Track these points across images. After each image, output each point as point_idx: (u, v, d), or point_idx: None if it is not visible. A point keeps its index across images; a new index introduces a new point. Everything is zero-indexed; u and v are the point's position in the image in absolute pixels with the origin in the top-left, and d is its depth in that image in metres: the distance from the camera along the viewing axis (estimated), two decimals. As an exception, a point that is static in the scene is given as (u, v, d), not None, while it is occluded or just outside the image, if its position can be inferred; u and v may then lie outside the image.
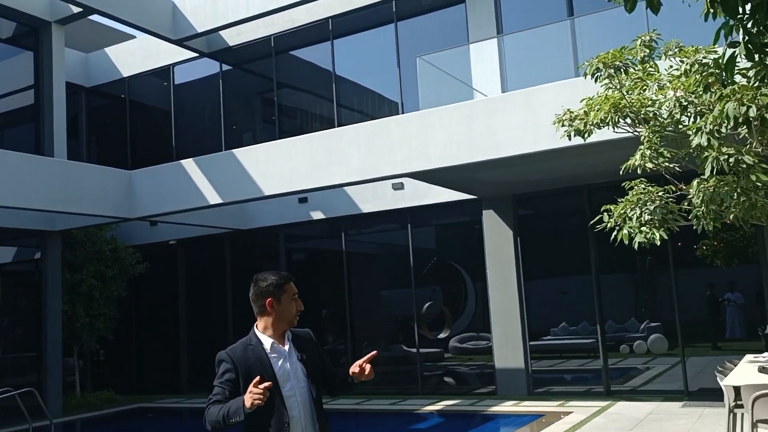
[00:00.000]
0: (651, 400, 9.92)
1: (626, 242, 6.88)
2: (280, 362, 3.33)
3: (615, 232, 7.09)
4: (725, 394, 6.38)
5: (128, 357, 15.66)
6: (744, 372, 6.26)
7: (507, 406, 10.41)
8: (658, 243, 6.68)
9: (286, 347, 3.39)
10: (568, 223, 12.29)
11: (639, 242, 6.74)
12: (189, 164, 11.46)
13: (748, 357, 7.72)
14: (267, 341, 3.37)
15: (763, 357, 7.62)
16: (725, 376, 6.49)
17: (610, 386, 10.93)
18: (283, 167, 10.51)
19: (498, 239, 11.76)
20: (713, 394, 9.86)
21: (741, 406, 6.35)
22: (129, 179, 12.09)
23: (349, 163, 9.91)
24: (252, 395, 3.01)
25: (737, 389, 6.18)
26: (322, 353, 3.53)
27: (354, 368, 3.37)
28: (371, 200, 12.87)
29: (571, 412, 9.45)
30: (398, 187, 12.45)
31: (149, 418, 12.52)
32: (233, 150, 11.17)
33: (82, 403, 13.41)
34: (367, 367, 3.35)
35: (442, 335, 12.95)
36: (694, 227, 6.66)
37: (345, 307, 13.50)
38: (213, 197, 11.11)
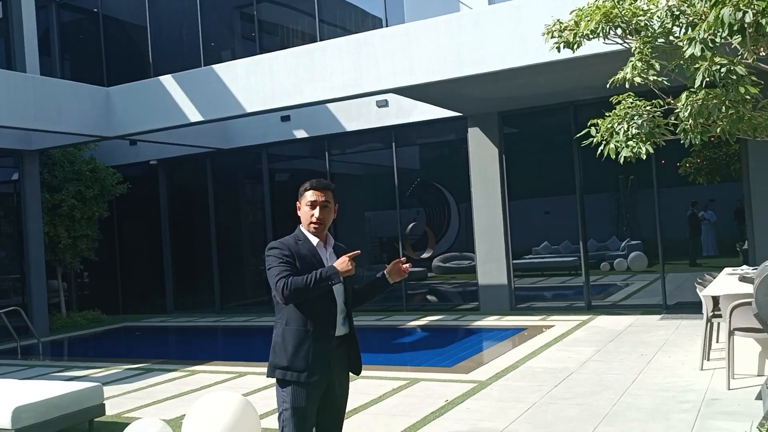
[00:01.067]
0: (630, 314, 10.15)
1: (612, 156, 6.85)
2: (326, 259, 3.49)
3: (601, 147, 7.06)
4: (704, 305, 6.52)
5: (113, 278, 15.69)
6: (723, 283, 6.38)
7: (490, 321, 10.63)
8: (644, 157, 6.66)
9: (328, 251, 3.53)
10: (553, 141, 12.22)
11: (625, 156, 6.71)
12: (168, 81, 11.14)
13: (727, 270, 7.86)
14: (314, 239, 3.52)
15: (742, 270, 7.77)
16: (705, 288, 6.61)
17: (591, 302, 11.16)
18: (264, 83, 10.25)
19: (483, 158, 11.70)
20: (690, 307, 10.11)
21: (718, 316, 6.50)
22: (106, 96, 11.76)
23: (332, 78, 9.67)
24: (345, 263, 3.27)
25: (716, 299, 6.31)
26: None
27: (390, 268, 3.58)
28: (355, 118, 12.69)
29: (553, 326, 9.66)
30: (382, 104, 12.25)
31: (137, 336, 12.65)
32: (213, 66, 10.84)
33: (68, 323, 13.51)
34: (405, 266, 3.58)
35: (425, 255, 13.06)
36: (681, 141, 6.62)
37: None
38: (193, 115, 10.87)
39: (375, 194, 14.04)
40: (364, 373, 7.45)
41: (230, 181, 15.05)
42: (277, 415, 3.42)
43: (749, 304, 5.51)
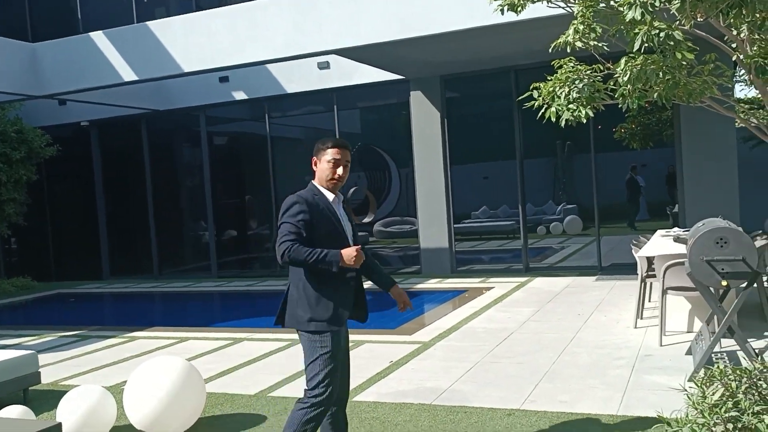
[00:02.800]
0: (567, 276, 10.44)
1: (553, 120, 6.94)
2: (340, 214, 3.60)
3: (543, 110, 7.15)
4: (639, 265, 6.74)
5: (44, 243, 15.13)
6: (657, 244, 6.60)
7: (431, 284, 10.76)
8: (584, 121, 6.77)
9: (340, 206, 3.63)
10: (494, 106, 12.30)
11: (566, 120, 6.82)
12: (99, 37, 10.65)
13: (660, 232, 8.14)
14: (329, 194, 3.60)
15: (674, 231, 8.06)
16: (640, 249, 6.84)
17: (529, 264, 11.42)
18: (203, 43, 9.92)
19: (425, 121, 11.71)
20: (623, 269, 10.48)
21: (652, 276, 6.74)
22: (33, 53, 11.18)
23: (274, 38, 9.44)
24: (352, 257, 3.34)
25: (650, 260, 6.54)
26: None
27: (397, 299, 4.04)
28: (296, 80, 12.46)
29: (493, 288, 9.85)
30: (324, 66, 12.06)
31: (71, 302, 12.27)
32: (148, 23, 10.42)
33: (-4, 290, 13.00)
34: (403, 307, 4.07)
35: (367, 220, 13.06)
36: (619, 106, 6.77)
37: (270, 192, 13.34)
38: (127, 74, 10.45)
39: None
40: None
41: (167, 143, 14.62)
42: (304, 366, 3.49)
43: (682, 264, 5.73)
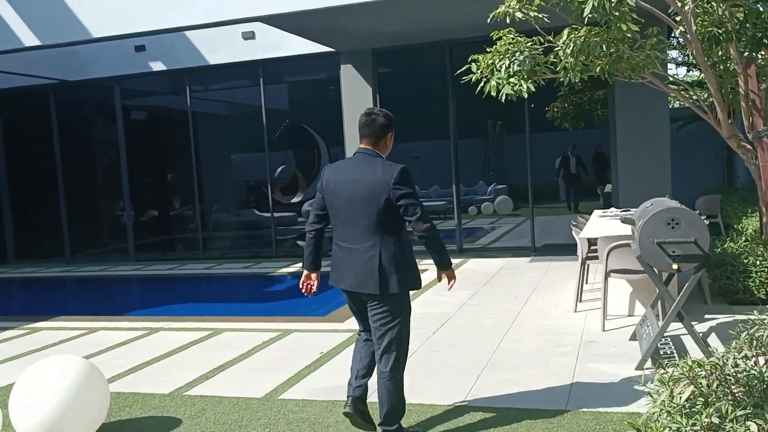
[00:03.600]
0: (501, 257, 10.22)
1: (494, 94, 6.60)
2: None
3: (482, 84, 6.79)
4: (579, 247, 6.50)
5: (-60, 225, 13.87)
6: (599, 225, 6.36)
7: (363, 266, 10.33)
8: (526, 95, 6.46)
9: None
10: (428, 82, 11.92)
11: (507, 94, 6.48)
12: (-4, -3, 9.63)
13: (597, 212, 7.95)
14: None
15: (611, 212, 7.89)
16: (580, 230, 6.59)
17: (463, 245, 11.14)
18: (115, 6, 9.07)
19: (356, 97, 11.20)
20: (556, 249, 10.35)
21: (593, 258, 6.51)
22: None
23: (195, 3, 8.71)
24: None
25: (592, 241, 6.30)
26: None
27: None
28: (219, 50, 11.72)
29: (427, 270, 9.49)
30: (249, 36, 11.36)
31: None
32: (52, -18, 9.47)
33: None
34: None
35: (295, 199, 12.52)
36: (561, 79, 6.47)
37: (192, 170, 12.58)
38: (29, 38, 9.49)
39: (241, 136, 13.18)
40: (230, 325, 6.86)
41: (78, 117, 13.58)
42: (384, 329, 3.57)
43: (627, 246, 5.49)
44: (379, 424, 3.65)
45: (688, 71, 7.53)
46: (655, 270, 4.73)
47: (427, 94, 11.91)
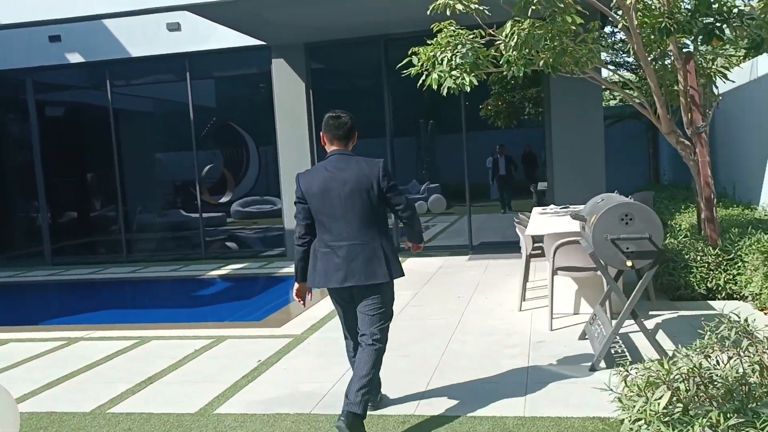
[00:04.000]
0: (439, 255, 10.06)
1: (435, 87, 6.38)
2: None
3: (423, 78, 6.57)
4: (523, 244, 6.36)
5: None
6: (542, 222, 6.24)
7: (298, 268, 9.97)
8: (468, 89, 6.28)
9: None
10: (363, 79, 11.65)
11: (449, 87, 6.28)
12: None
13: (537, 209, 7.85)
14: None
15: (551, 208, 7.81)
16: (524, 227, 6.45)
17: (399, 244, 10.92)
18: (25, -10, 8.42)
19: (289, 93, 10.82)
20: (493, 247, 10.29)
21: (537, 255, 6.39)
22: None
23: (113, -11, 8.16)
24: None
25: (537, 238, 6.17)
26: None
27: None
28: (141, 42, 11.10)
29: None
30: (174, 27, 10.81)
31: None
32: (-46, -36, 8.70)
33: None
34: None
35: (223, 199, 12.02)
36: (504, 73, 6.32)
37: (114, 170, 11.90)
38: (-72, 24, 8.70)
39: (168, 133, 12.56)
40: (158, 332, 6.39)
41: (-14, 112, 12.65)
42: (380, 313, 3.76)
43: (575, 243, 5.37)
44: (341, 415, 3.56)
45: (616, 72, 7.51)
46: (608, 267, 4.60)
47: (362, 91, 11.66)
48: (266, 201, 12.11)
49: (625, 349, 4.83)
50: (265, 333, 6.19)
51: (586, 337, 5.18)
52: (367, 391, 3.62)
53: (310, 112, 10.86)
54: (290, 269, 10.21)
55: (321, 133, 3.91)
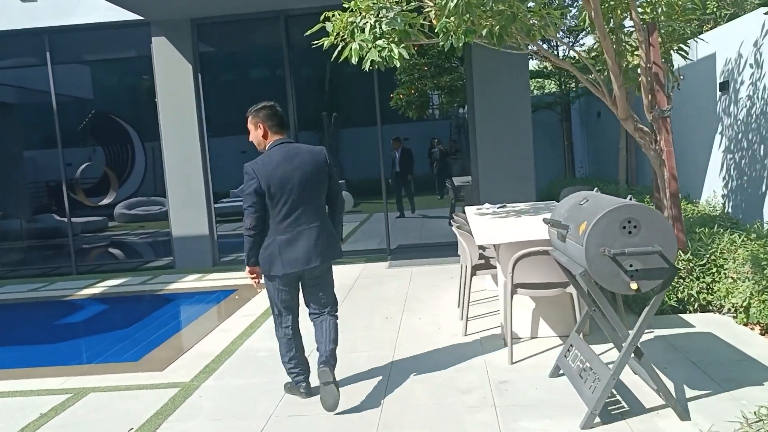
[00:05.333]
0: (355, 262, 8.82)
1: (354, 61, 5.13)
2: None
3: (339, 49, 5.31)
4: (466, 253, 5.23)
5: None
6: (490, 227, 5.12)
7: (189, 282, 8.46)
8: (398, 63, 5.05)
9: None
10: (261, 63, 10.22)
11: (373, 61, 5.05)
12: None
13: (472, 210, 6.77)
14: None
15: (486, 207, 6.76)
16: (467, 232, 5.32)
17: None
18: None
19: (172, 78, 9.26)
20: (412, 251, 9.21)
21: (485, 267, 5.28)
22: None
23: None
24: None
25: (495, 248, 5.06)
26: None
27: None
28: (-12, 14, 9.19)
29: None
30: (29, -4, 8.99)
31: None
32: None
33: None
34: None
35: (106, 201, 10.27)
36: (441, 44, 5.15)
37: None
38: None
39: (36, 129, 10.61)
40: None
41: None
42: (329, 289, 4.15)
43: (540, 254, 4.28)
44: (323, 362, 3.90)
45: (571, 47, 6.54)
46: (603, 291, 3.52)
47: (260, 76, 10.27)
48: (154, 202, 10.47)
49: (618, 396, 3.77)
50: (144, 380, 4.74)
51: (561, 373, 4.11)
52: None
53: (200, 100, 9.33)
54: (179, 284, 8.71)
55: (258, 124, 3.94)
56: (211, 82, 9.56)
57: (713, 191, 7.85)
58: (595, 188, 3.99)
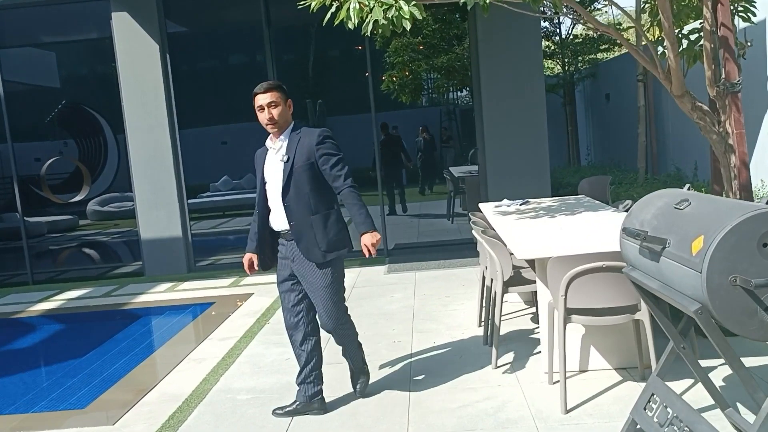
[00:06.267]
0: (349, 265, 7.75)
1: (354, 25, 4.06)
2: (268, 158, 3.69)
3: (332, 11, 4.25)
4: (497, 267, 4.20)
5: None
6: (525, 234, 4.09)
7: (159, 293, 7.37)
8: (407, 25, 4.00)
9: (277, 146, 3.64)
10: (238, 42, 9.12)
11: (375, 23, 3.98)
12: None
13: (488, 207, 5.75)
14: (268, 142, 3.71)
15: (507, 205, 5.75)
16: (494, 238, 4.29)
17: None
18: None
19: (137, 59, 8.15)
20: (411, 252, 8.24)
21: (518, 283, 4.26)
22: None
23: None
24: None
25: (532, 263, 4.03)
26: (320, 156, 3.56)
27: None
28: None
29: (251, 294, 6.84)
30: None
31: None
32: None
33: None
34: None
35: (78, 197, 9.13)
36: (461, 0, 4.09)
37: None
38: None
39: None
40: None
41: None
42: None
43: (602, 271, 3.26)
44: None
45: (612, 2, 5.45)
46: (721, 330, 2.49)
47: (238, 58, 9.19)
48: (128, 197, 9.36)
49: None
50: (90, 438, 3.68)
51: (639, 428, 3.10)
52: None
53: (168, 81, 8.22)
54: (147, 296, 7.48)
55: (288, 102, 3.64)
56: (181, 61, 8.45)
57: None
58: (687, 185, 2.95)
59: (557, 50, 12.93)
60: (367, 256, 3.52)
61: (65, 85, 9.22)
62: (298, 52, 9.20)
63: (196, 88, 8.86)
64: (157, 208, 8.33)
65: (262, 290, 6.96)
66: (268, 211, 3.65)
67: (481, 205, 5.93)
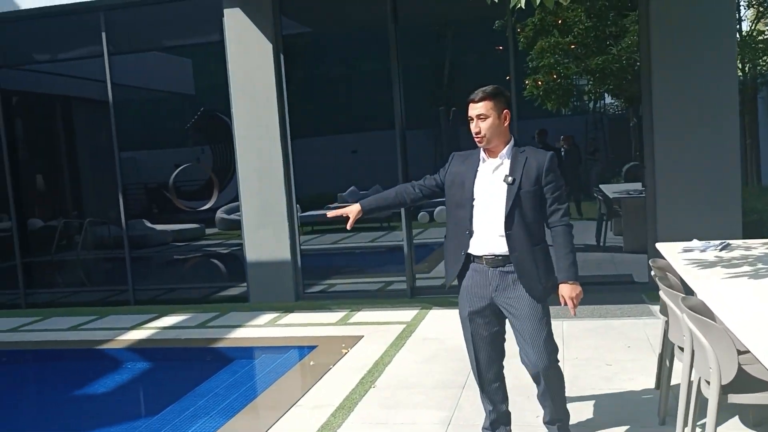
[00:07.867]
0: (424, 306, 6.45)
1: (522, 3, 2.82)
2: (481, 173, 3.25)
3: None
4: (713, 362, 2.74)
5: None
6: (755, 309, 2.61)
7: (259, 327, 6.41)
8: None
9: (496, 164, 3.21)
10: (365, 44, 8.16)
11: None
12: None
13: (672, 251, 4.24)
14: (482, 154, 3.27)
15: (701, 248, 4.23)
16: (703, 315, 2.83)
17: (415, 277, 7.37)
18: None
19: (249, 61, 7.36)
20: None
21: (743, 389, 2.78)
22: None
23: None
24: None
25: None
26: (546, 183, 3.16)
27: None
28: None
29: (361, 338, 5.71)
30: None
31: None
32: None
33: None
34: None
35: (207, 206, 8.53)
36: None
37: (63, 172, 8.52)
38: None
39: (144, 128, 9.08)
40: None
41: None
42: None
43: None
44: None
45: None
46: None
47: (364, 62, 8.26)
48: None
49: None
50: None
51: None
52: None
53: (281, 86, 7.34)
54: (245, 331, 6.18)
55: (506, 112, 3.17)
56: (299, 66, 7.56)
57: None
58: None
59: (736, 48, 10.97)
60: (573, 313, 3.14)
61: (201, 88, 8.64)
62: (428, 54, 8.15)
63: (319, 92, 8.00)
64: (264, 227, 7.44)
65: (373, 333, 5.81)
66: (464, 230, 3.18)
67: (660, 247, 4.43)
